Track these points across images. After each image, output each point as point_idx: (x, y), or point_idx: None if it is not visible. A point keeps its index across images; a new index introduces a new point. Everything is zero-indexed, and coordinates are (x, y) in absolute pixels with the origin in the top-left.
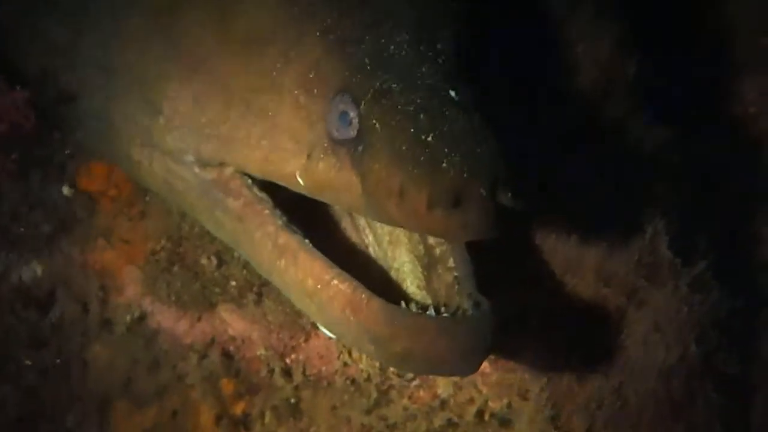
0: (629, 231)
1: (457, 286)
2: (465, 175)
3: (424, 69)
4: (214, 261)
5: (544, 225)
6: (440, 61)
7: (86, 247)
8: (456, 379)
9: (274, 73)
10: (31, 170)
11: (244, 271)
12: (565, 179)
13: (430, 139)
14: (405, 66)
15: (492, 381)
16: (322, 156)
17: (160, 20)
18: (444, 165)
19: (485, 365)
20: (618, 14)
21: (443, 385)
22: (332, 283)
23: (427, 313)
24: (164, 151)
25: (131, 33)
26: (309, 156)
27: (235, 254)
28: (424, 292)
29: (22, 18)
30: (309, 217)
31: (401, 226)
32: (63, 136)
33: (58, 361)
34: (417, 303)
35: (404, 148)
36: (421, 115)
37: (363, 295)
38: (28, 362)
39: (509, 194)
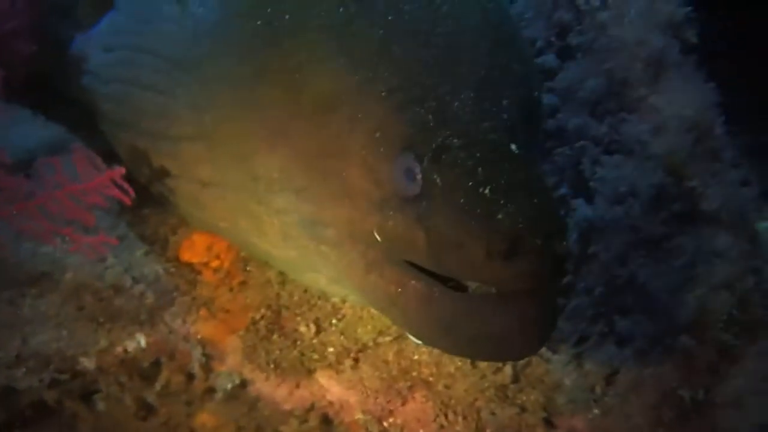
0: (721, 287)
1: None
2: (520, 226)
3: (486, 125)
4: (313, 328)
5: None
6: (504, 116)
7: (189, 317)
8: None
9: (343, 137)
10: (134, 243)
11: (342, 338)
12: (653, 238)
13: (487, 191)
14: (467, 123)
15: None
16: (391, 213)
17: (241, 96)
18: (500, 216)
19: (581, 425)
20: (705, 76)
21: None
22: (410, 284)
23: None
24: (276, 210)
25: (221, 109)
26: (381, 213)
27: (333, 320)
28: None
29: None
30: None
31: (463, 278)
32: (164, 209)
33: (166, 429)
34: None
35: (462, 201)
36: (479, 169)
37: (435, 289)
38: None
39: (564, 244)
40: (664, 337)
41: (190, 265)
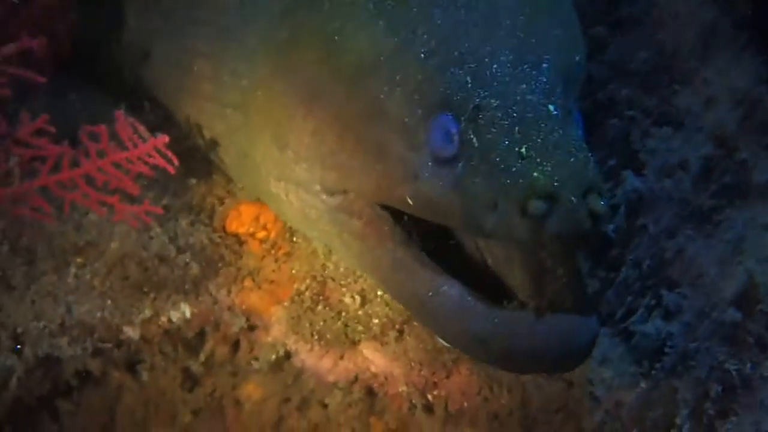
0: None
1: (563, 291)
2: (556, 184)
3: (524, 86)
4: (358, 299)
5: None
6: (543, 79)
7: (233, 288)
8: (601, 412)
9: (382, 99)
10: (180, 213)
11: (387, 309)
12: (702, 211)
13: (523, 150)
14: (505, 84)
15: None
16: (427, 176)
17: (281, 60)
18: (535, 175)
19: (628, 398)
20: (757, 49)
21: (587, 419)
22: (442, 289)
23: (524, 310)
24: (296, 183)
25: (259, 74)
26: (416, 178)
27: (379, 292)
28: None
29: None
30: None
31: (498, 238)
32: (211, 179)
33: (211, 400)
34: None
35: (498, 160)
36: (516, 128)
37: (469, 298)
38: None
39: (601, 202)
40: (711, 310)
41: (236, 236)
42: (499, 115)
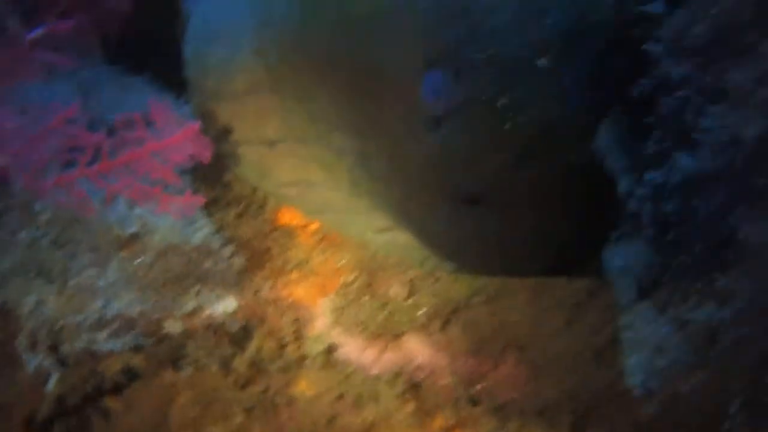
0: None
1: None
2: (529, 137)
3: (519, 40)
4: (405, 290)
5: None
6: (543, 35)
7: (279, 280)
8: (655, 404)
9: (380, 57)
10: (228, 204)
11: (434, 299)
12: (756, 190)
13: (499, 105)
14: (500, 38)
15: None
16: (421, 136)
17: (302, 25)
18: (507, 127)
19: (682, 387)
20: None
21: (642, 411)
22: (441, 205)
23: None
24: (336, 150)
25: (284, 49)
26: (411, 137)
27: (429, 282)
28: None
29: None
30: None
31: (481, 193)
32: None
33: (264, 398)
34: None
35: (477, 115)
36: (497, 83)
37: (461, 208)
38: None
39: (581, 155)
40: (765, 295)
41: (286, 228)
42: (484, 70)
